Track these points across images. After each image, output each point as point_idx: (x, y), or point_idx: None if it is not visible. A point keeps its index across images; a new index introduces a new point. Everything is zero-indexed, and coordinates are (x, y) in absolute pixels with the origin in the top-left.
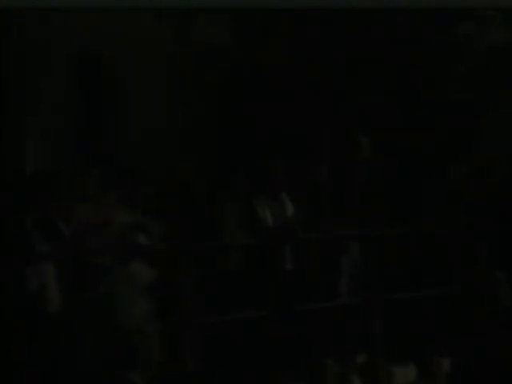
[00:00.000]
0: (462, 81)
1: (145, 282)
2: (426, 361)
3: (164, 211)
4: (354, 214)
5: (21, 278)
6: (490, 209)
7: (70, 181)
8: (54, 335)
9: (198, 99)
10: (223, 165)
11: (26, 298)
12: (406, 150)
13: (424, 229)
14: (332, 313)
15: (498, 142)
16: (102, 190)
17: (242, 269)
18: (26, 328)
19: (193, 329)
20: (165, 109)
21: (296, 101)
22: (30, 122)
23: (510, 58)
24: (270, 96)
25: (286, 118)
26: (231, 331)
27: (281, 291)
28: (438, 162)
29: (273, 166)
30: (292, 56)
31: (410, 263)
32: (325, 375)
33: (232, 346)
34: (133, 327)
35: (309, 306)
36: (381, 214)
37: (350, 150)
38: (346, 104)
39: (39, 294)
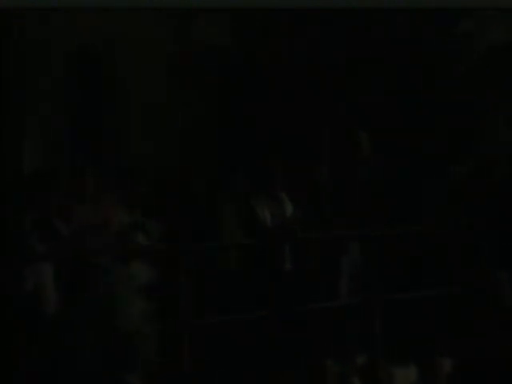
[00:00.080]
0: (462, 81)
1: (144, 282)
2: (427, 361)
3: (164, 211)
4: (353, 214)
5: (19, 278)
6: (491, 209)
7: (68, 181)
8: (52, 336)
9: (198, 99)
10: (223, 165)
11: (24, 298)
12: (406, 149)
13: (424, 229)
14: (332, 313)
15: (498, 142)
16: (102, 189)
17: (242, 269)
18: (24, 328)
19: (192, 329)
20: (165, 109)
21: (296, 101)
22: (30, 122)
23: (510, 58)
24: (270, 96)
25: (286, 118)
26: (231, 331)
27: (280, 291)
28: (438, 161)
29: (273, 166)
30: (292, 56)
31: (410, 263)
32: (325, 376)
33: (231, 347)
34: (132, 328)
35: (308, 306)
36: (381, 214)
37: (349, 149)
38: (346, 104)
39: (37, 294)
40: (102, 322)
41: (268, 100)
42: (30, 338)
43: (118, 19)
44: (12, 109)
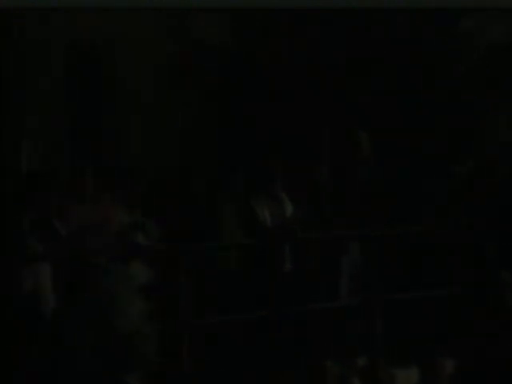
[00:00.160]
0: (462, 81)
1: (144, 282)
2: (429, 362)
3: (164, 211)
4: (353, 214)
5: (18, 278)
6: (492, 208)
7: (68, 181)
8: (52, 336)
9: (198, 99)
10: (223, 165)
11: (23, 298)
12: (406, 149)
13: (424, 229)
14: (332, 314)
15: (498, 142)
16: (101, 189)
17: (242, 269)
18: (23, 328)
19: (192, 329)
20: (165, 109)
21: (296, 101)
22: (30, 122)
23: (510, 58)
24: (270, 96)
25: (286, 118)
26: (231, 332)
27: (280, 291)
28: (438, 161)
29: (273, 166)
30: (292, 56)
31: (410, 263)
32: (325, 377)
33: (231, 347)
34: (131, 328)
35: (308, 306)
36: (381, 214)
37: (350, 149)
38: (346, 104)
39: (36, 294)
40: (101, 322)
41: (268, 100)
42: (29, 338)
43: (118, 19)
44: (12, 109)
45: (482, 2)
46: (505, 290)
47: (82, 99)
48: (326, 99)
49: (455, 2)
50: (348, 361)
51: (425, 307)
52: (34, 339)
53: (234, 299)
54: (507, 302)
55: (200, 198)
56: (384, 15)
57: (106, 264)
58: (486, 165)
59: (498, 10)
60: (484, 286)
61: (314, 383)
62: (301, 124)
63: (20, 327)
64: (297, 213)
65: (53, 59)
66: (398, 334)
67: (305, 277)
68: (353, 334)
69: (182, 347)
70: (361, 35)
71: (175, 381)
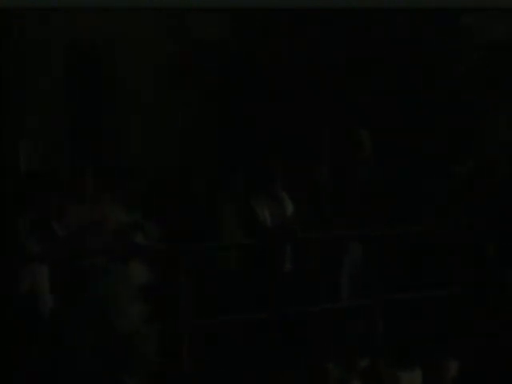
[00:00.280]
0: (462, 81)
1: (143, 283)
2: (433, 365)
3: (164, 211)
4: (354, 214)
5: (16, 278)
6: (493, 208)
7: (67, 181)
8: (50, 336)
9: (198, 99)
10: (223, 165)
11: (20, 298)
12: (406, 149)
13: (426, 228)
14: (333, 315)
15: (498, 142)
16: (100, 190)
17: (242, 269)
18: (21, 329)
19: (192, 329)
20: (165, 109)
21: (296, 101)
22: (30, 122)
23: (510, 58)
24: (270, 96)
25: (286, 118)
26: (231, 332)
27: (280, 292)
28: (438, 161)
29: (273, 166)
30: (292, 56)
31: (412, 263)
32: (326, 379)
33: (231, 348)
34: (131, 328)
35: (309, 307)
36: (381, 214)
37: (350, 149)
38: (346, 104)
39: (33, 294)
40: (101, 323)
41: (268, 100)
42: (28, 338)
43: (118, 19)
44: (12, 109)
45: (481, 2)
46: (508, 290)
47: (82, 99)
48: (325, 99)
49: (455, 2)
50: (349, 362)
51: (427, 308)
52: (33, 339)
53: (234, 299)
54: (509, 301)
55: (200, 197)
56: (384, 15)
57: (105, 264)
58: (486, 165)
59: (498, 9)
60: (485, 285)
61: None
62: (301, 124)
63: (19, 327)
64: (297, 213)
65: (53, 59)
66: (400, 335)
67: (305, 277)
68: (354, 335)
69: (181, 347)
70: (361, 35)
71: (175, 381)
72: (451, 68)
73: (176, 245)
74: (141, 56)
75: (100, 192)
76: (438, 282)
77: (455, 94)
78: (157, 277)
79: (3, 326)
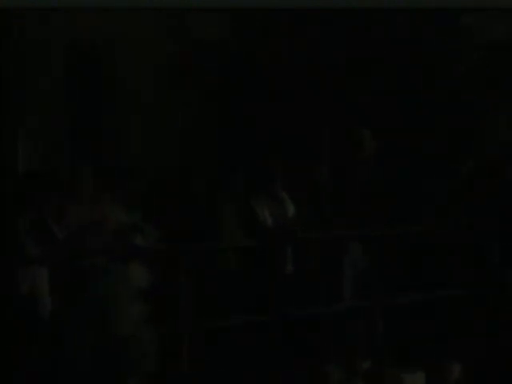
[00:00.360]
0: (462, 81)
1: (143, 283)
2: (435, 367)
3: (163, 211)
4: (354, 214)
5: (15, 280)
6: (496, 208)
7: (67, 181)
8: (50, 337)
9: (198, 99)
10: (223, 165)
11: (20, 299)
12: (406, 149)
13: (428, 229)
14: (335, 316)
15: (499, 142)
16: (100, 190)
17: (243, 270)
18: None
19: (192, 331)
20: (165, 109)
21: (296, 101)
22: (30, 122)
23: (510, 58)
24: (270, 96)
25: (286, 118)
26: (231, 334)
27: (281, 293)
28: (439, 161)
29: (273, 166)
30: (292, 56)
31: (415, 264)
32: (327, 382)
33: (232, 350)
34: (131, 329)
35: (310, 309)
36: (382, 214)
37: (350, 149)
38: (346, 104)
39: (33, 296)
40: (100, 324)
41: (268, 100)
42: (28, 339)
43: (118, 19)
44: (12, 109)
45: (482, 2)
46: (508, 290)
47: (82, 99)
48: (325, 99)
49: (455, 2)
50: (351, 364)
51: (429, 309)
52: (33, 340)
53: (235, 300)
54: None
55: (200, 197)
56: (384, 15)
57: (105, 265)
58: (486, 165)
59: (498, 9)
60: (486, 286)
61: None
62: (301, 124)
63: (19, 327)
64: (298, 213)
65: (53, 59)
66: (402, 336)
67: (306, 278)
68: (356, 336)
69: (181, 347)
70: (361, 35)
71: (175, 381)
72: (451, 68)
73: (176, 245)
74: (141, 56)
75: (100, 192)
76: (440, 283)
77: (455, 94)
78: (157, 277)
79: (3, 327)
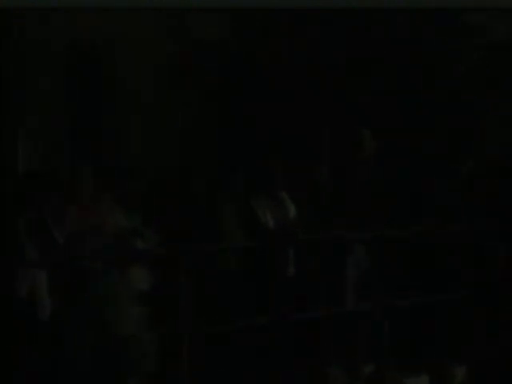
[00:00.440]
0: (462, 81)
1: (143, 286)
2: (439, 370)
3: (163, 211)
4: (357, 215)
5: (13, 280)
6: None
7: (67, 181)
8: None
9: (198, 99)
10: (223, 165)
11: (19, 300)
12: (408, 149)
13: (436, 230)
14: (337, 319)
15: (499, 142)
16: (100, 190)
17: (243, 271)
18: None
19: (192, 333)
20: (165, 109)
21: (296, 101)
22: (30, 122)
23: (511, 58)
24: (270, 96)
25: (286, 118)
26: (232, 337)
27: (282, 295)
28: (444, 161)
29: (273, 166)
30: (292, 56)
31: (419, 266)
32: None
33: (232, 353)
34: (130, 330)
35: (312, 311)
36: (386, 215)
37: (350, 149)
38: (346, 104)
39: (32, 297)
40: (100, 324)
41: (268, 100)
42: (27, 339)
43: (118, 19)
44: (12, 109)
45: (482, 2)
46: None
47: (82, 99)
48: (325, 99)
49: (455, 2)
50: (353, 368)
51: (433, 312)
52: (33, 340)
53: (235, 302)
54: None
55: (200, 197)
56: (384, 15)
57: (104, 268)
58: (486, 165)
59: (498, 9)
60: (496, 288)
61: None
62: (301, 124)
63: (19, 328)
64: (299, 214)
65: (53, 59)
66: (405, 339)
67: (308, 280)
68: (358, 339)
69: (181, 348)
70: (361, 35)
71: (175, 381)
72: (451, 68)
73: (176, 245)
74: (141, 56)
75: (99, 192)
76: (445, 286)
77: (455, 93)
78: (157, 278)
79: (3, 327)
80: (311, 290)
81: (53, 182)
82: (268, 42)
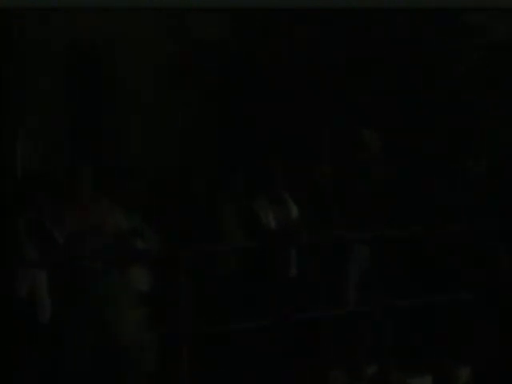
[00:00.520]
0: (462, 81)
1: (143, 287)
2: (443, 371)
3: (163, 211)
4: (360, 215)
5: (13, 280)
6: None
7: (66, 182)
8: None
9: (198, 99)
10: (223, 165)
11: (19, 300)
12: (408, 149)
13: (440, 230)
14: (340, 320)
15: (499, 142)
16: (100, 191)
17: (244, 271)
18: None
19: (191, 333)
20: (165, 109)
21: (296, 101)
22: (30, 122)
23: (511, 58)
24: (270, 96)
25: (286, 118)
26: (232, 339)
27: (284, 296)
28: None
29: (273, 166)
30: (292, 56)
31: (423, 267)
32: None
33: (233, 356)
34: (130, 330)
35: (314, 313)
36: (389, 215)
37: (351, 149)
38: (346, 104)
39: (32, 297)
40: (100, 324)
41: (268, 100)
42: (27, 340)
43: (118, 19)
44: (12, 109)
45: (481, 2)
46: None
47: (82, 99)
48: (325, 99)
49: (455, 2)
50: (357, 369)
51: (437, 312)
52: (33, 341)
53: (236, 302)
54: None
55: (200, 197)
56: (384, 15)
57: (104, 268)
58: (487, 165)
59: (498, 9)
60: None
61: None
62: (301, 124)
63: (19, 328)
64: (302, 215)
65: (53, 59)
66: (409, 340)
67: (310, 281)
68: (361, 340)
69: (181, 348)
70: (361, 35)
71: (175, 381)
72: (451, 68)
73: (176, 245)
74: (141, 56)
75: (99, 193)
76: (449, 286)
77: (455, 93)
78: (157, 278)
79: (3, 327)
80: (313, 290)
81: (53, 182)
82: (268, 42)
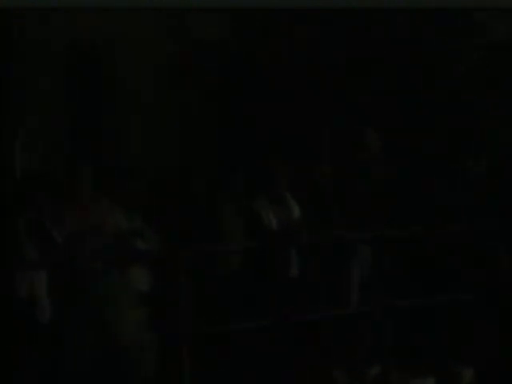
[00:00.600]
0: (462, 81)
1: (143, 287)
2: (446, 372)
3: (163, 211)
4: (360, 215)
5: (13, 281)
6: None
7: (66, 182)
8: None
9: (198, 99)
10: (223, 165)
11: (19, 300)
12: (408, 149)
13: (437, 229)
14: (342, 321)
15: (499, 142)
16: (100, 191)
17: (243, 273)
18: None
19: (191, 333)
20: (165, 109)
21: (296, 101)
22: (30, 122)
23: (511, 58)
24: (270, 96)
25: (286, 118)
26: (233, 340)
27: (285, 297)
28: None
29: (273, 166)
30: (292, 56)
31: (424, 267)
32: None
33: (233, 356)
34: (131, 332)
35: (316, 314)
36: (390, 215)
37: (355, 149)
38: (346, 104)
39: (31, 297)
40: (100, 324)
41: (268, 100)
42: (27, 340)
43: (118, 19)
44: (12, 109)
45: (481, 2)
46: None
47: (82, 99)
48: (326, 99)
49: (455, 2)
50: (359, 370)
51: (440, 313)
52: (33, 341)
53: (236, 302)
54: None
55: (200, 198)
56: (384, 15)
57: (104, 268)
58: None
59: (498, 9)
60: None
61: None
62: (301, 124)
63: (18, 328)
64: (303, 215)
65: (53, 59)
66: (412, 341)
67: (311, 281)
68: (363, 341)
69: (181, 348)
70: (361, 35)
71: (175, 381)
72: (451, 68)
73: (176, 245)
74: (141, 56)
75: (99, 193)
76: (451, 287)
77: (455, 93)
78: (157, 278)
79: (3, 327)
80: (313, 290)
81: (53, 182)
82: (268, 42)
